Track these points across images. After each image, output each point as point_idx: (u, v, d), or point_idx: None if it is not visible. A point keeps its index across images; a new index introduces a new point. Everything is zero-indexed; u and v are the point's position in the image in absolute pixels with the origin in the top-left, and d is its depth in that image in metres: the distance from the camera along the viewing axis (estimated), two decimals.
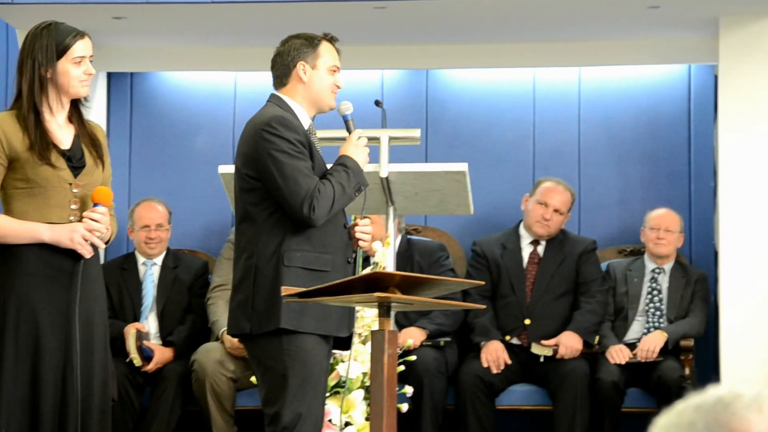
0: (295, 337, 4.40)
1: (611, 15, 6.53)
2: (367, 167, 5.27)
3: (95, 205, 4.47)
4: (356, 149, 4.54)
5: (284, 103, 4.54)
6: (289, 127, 4.43)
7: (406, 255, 6.77)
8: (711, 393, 1.49)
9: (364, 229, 4.53)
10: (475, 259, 6.92)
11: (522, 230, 6.90)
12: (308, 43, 4.56)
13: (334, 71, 4.55)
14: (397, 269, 6.61)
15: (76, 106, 4.55)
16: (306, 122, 4.54)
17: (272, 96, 4.60)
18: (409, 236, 6.96)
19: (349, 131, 4.65)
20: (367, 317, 5.33)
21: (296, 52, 4.54)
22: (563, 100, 7.34)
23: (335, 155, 4.66)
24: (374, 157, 5.31)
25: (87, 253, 4.42)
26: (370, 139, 5.45)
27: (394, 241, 5.42)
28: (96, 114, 7.07)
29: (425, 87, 7.48)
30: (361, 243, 4.54)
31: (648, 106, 7.28)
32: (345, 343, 4.62)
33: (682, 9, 6.35)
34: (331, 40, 4.60)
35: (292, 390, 4.39)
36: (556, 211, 6.79)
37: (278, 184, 4.39)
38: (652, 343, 6.56)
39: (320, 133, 4.81)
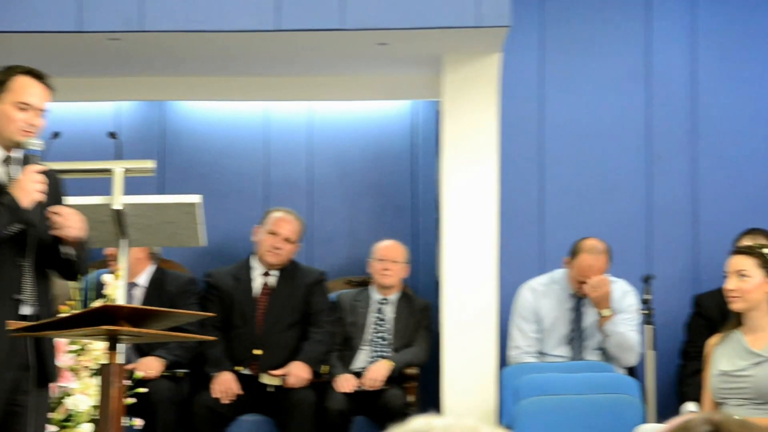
0: None
1: (341, 51, 6.68)
2: (100, 199, 5.27)
3: None
4: (20, 185, 4.29)
5: None
6: None
7: (157, 285, 6.79)
8: (407, 425, 1.56)
9: (58, 213, 4.30)
10: (207, 291, 6.97)
11: (254, 261, 6.99)
12: (2, 75, 4.40)
13: (22, 108, 4.34)
14: (146, 301, 6.63)
15: None
16: None
17: None
18: (162, 268, 6.95)
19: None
20: (96, 350, 5.30)
21: None
22: (294, 134, 7.48)
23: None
24: (107, 189, 5.32)
25: None
26: (103, 170, 5.45)
27: (125, 271, 5.42)
28: None
29: (160, 119, 7.50)
30: (59, 232, 4.30)
31: (375, 141, 7.48)
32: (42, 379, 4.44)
33: (408, 47, 6.55)
34: (32, 74, 4.40)
35: None
36: (286, 239, 6.91)
37: None
38: (377, 372, 6.73)
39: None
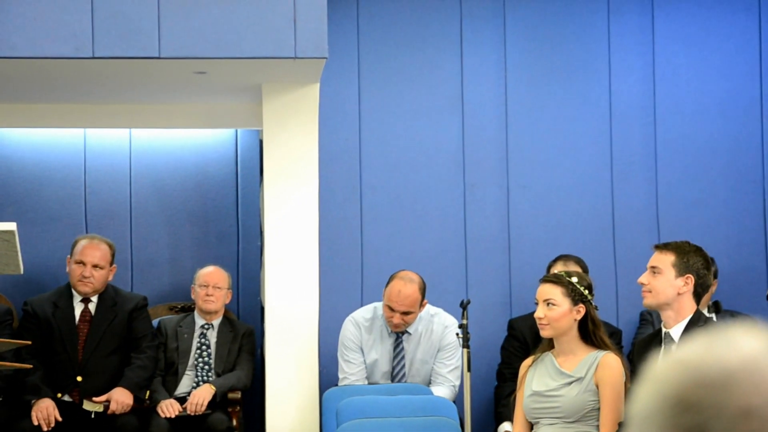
0: None
1: (160, 80, 6.67)
2: None
3: None
4: None
5: None
6: None
7: None
8: None
9: None
10: (25, 318, 6.89)
11: (73, 288, 6.94)
12: None
13: None
14: None
15: None
16: None
17: None
18: None
19: None
20: None
21: None
22: (115, 161, 7.45)
23: None
24: None
25: None
26: None
27: None
28: None
29: None
30: None
31: (198, 169, 7.50)
32: None
33: (227, 75, 6.59)
34: None
35: None
36: (95, 266, 6.87)
37: None
38: (200, 397, 6.74)
39: None
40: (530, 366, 5.41)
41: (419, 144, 7.31)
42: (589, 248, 7.21)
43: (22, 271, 5.70)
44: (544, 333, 5.34)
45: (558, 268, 6.64)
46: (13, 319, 6.89)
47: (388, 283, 6.64)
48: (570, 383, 5.27)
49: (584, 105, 7.39)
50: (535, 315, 5.36)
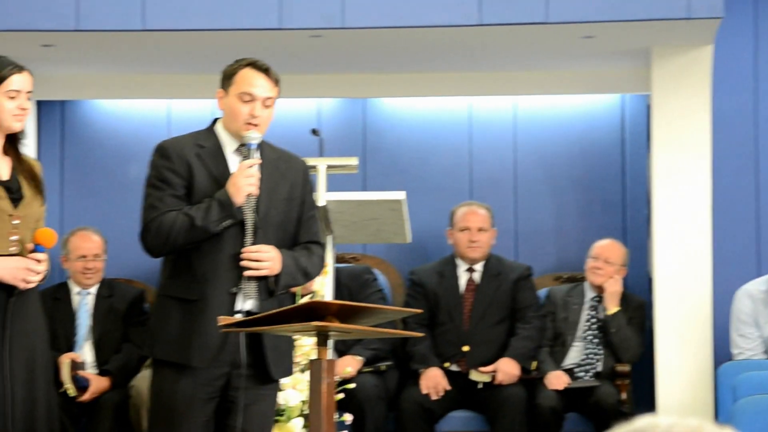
0: (160, 367, 4.39)
1: (546, 45, 6.60)
2: None
3: (37, 246, 4.40)
4: (233, 180, 4.34)
5: (211, 128, 4.49)
6: (165, 155, 4.40)
7: (333, 282, 6.82)
8: (632, 424, 1.52)
9: (250, 255, 4.32)
10: (412, 288, 6.97)
11: (457, 258, 6.95)
12: (229, 68, 4.48)
13: (247, 100, 4.39)
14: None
15: (13, 139, 4.51)
16: (230, 147, 4.43)
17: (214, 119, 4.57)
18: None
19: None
20: (305, 346, 5.34)
21: (222, 76, 4.49)
22: (499, 129, 7.42)
23: None
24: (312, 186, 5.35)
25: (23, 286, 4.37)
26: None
27: (332, 267, 5.46)
28: (25, 142, 7.01)
29: (362, 115, 7.53)
30: (249, 272, 4.32)
31: (582, 135, 7.37)
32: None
33: (615, 39, 6.44)
34: (255, 66, 4.45)
35: (150, 418, 4.52)
36: (480, 230, 6.86)
37: None
38: None
39: None
40: None
41: None
42: None
43: (408, 240, 5.74)
44: None
45: None
46: (374, 276, 6.93)
47: None
48: None
49: None
50: None
